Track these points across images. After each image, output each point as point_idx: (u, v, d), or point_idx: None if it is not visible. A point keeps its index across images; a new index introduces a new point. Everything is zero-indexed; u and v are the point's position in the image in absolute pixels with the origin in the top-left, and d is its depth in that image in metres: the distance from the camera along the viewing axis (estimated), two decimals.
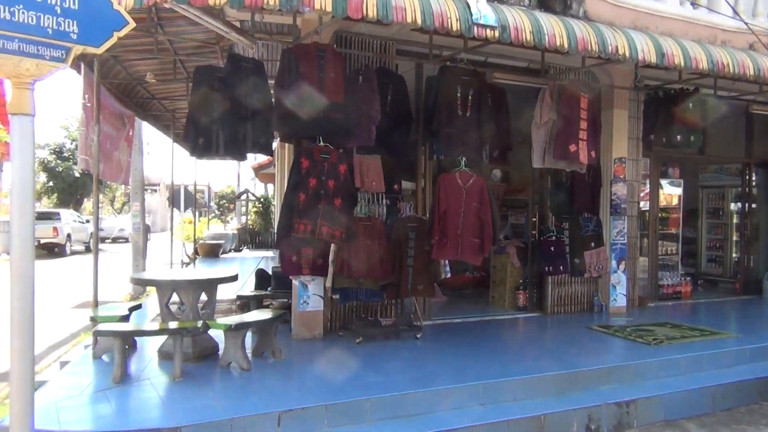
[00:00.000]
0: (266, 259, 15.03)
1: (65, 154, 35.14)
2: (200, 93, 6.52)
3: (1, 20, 3.02)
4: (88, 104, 7.04)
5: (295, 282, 6.99)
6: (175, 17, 6.78)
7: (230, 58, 6.52)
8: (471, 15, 5.53)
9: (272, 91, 6.75)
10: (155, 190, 47.44)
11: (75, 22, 3.25)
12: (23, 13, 3.09)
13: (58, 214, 26.81)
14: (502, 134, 7.60)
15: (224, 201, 47.12)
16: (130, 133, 10.32)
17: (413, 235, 7.25)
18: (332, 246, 6.74)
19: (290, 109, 6.05)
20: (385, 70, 7.22)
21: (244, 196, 28.97)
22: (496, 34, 5.69)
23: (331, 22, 6.30)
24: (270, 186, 31.19)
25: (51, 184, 36.17)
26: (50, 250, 25.11)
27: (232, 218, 42.12)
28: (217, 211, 45.08)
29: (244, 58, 6.68)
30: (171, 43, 7.63)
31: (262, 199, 28.54)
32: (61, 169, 35.00)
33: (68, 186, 35.98)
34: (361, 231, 6.84)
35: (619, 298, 9.27)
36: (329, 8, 4.98)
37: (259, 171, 24.39)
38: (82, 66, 7.03)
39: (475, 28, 5.54)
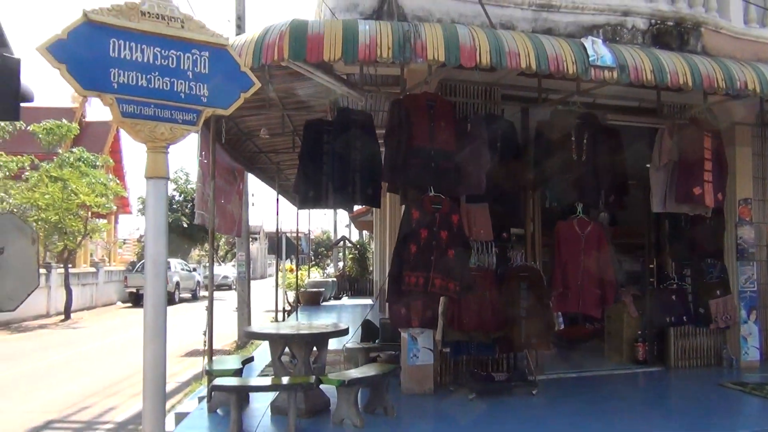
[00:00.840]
0: (367, 307, 14.98)
1: (174, 206, 37.00)
2: (310, 146, 6.62)
3: (139, 87, 3.12)
4: (205, 161, 7.28)
5: (404, 334, 6.83)
6: (285, 74, 6.95)
7: (339, 111, 6.61)
8: (588, 57, 5.33)
9: (381, 142, 6.75)
10: (255, 238, 49.04)
11: (205, 86, 3.33)
12: (159, 79, 3.18)
13: (168, 263, 28.04)
14: (618, 178, 7.24)
15: (321, 248, 47.98)
16: (241, 187, 10.65)
17: (525, 285, 6.96)
18: (441, 297, 6.56)
19: (400, 159, 6.00)
20: (493, 115, 7.09)
21: (341, 243, 29.36)
22: (615, 75, 5.44)
23: (438, 71, 6.26)
24: (365, 232, 31.48)
25: None
26: None
27: (329, 264, 42.74)
28: (314, 259, 45.93)
29: (352, 110, 6.75)
30: (280, 98, 7.83)
31: (358, 246, 28.80)
32: (170, 219, 36.84)
33: (177, 236, 37.77)
34: (472, 282, 6.63)
35: (751, 351, 8.48)
36: (442, 58, 4.93)
37: (356, 219, 24.66)
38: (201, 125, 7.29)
39: (593, 70, 5.33)
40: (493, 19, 6.29)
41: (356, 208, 21.24)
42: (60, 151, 24.34)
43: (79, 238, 23.70)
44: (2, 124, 19.54)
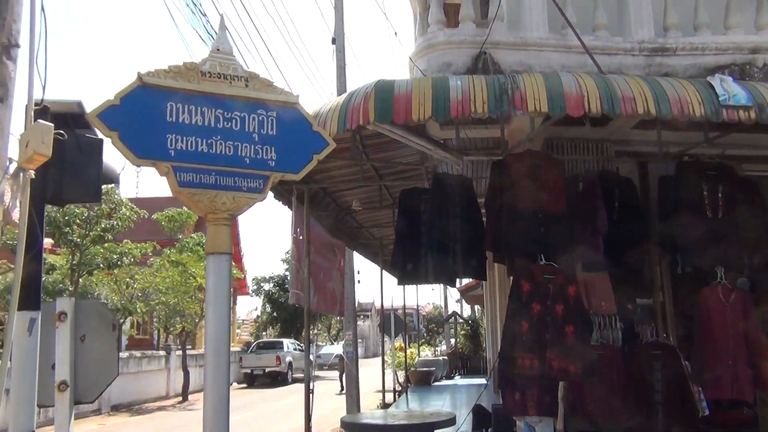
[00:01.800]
0: (480, 387, 14.01)
1: (287, 286, 37.70)
2: (406, 217, 6.17)
3: (199, 154, 2.81)
4: (300, 237, 7.03)
5: (520, 423, 6.02)
6: (380, 143, 6.66)
7: (436, 177, 6.15)
8: (717, 96, 4.60)
9: (483, 209, 6.20)
10: (367, 316, 48.86)
11: (273, 148, 2.97)
12: (221, 144, 2.86)
13: (281, 343, 28.31)
14: (762, 236, 6.23)
15: (432, 324, 47.02)
16: (342, 263, 10.38)
17: (659, 364, 5.99)
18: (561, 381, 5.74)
19: (504, 225, 5.41)
20: (608, 173, 6.38)
21: (452, 319, 28.45)
22: (752, 114, 4.65)
23: (542, 128, 5.70)
24: (477, 307, 30.43)
25: (275, 314, 38.75)
26: (274, 378, 26.26)
27: (441, 341, 41.63)
28: (425, 335, 44.95)
29: (450, 176, 6.29)
30: (376, 170, 7.55)
31: (470, 322, 27.76)
32: (283, 300, 37.47)
33: (289, 315, 38.27)
34: (595, 363, 5.77)
35: None
36: (544, 108, 4.38)
37: (466, 293, 23.83)
38: (293, 200, 7.13)
39: (725, 111, 4.57)
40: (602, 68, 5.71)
41: (464, 281, 20.48)
42: (181, 237, 25.54)
43: (196, 320, 24.36)
44: (128, 214, 20.71)
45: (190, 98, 2.84)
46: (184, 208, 26.70)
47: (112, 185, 21.18)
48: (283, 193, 7.22)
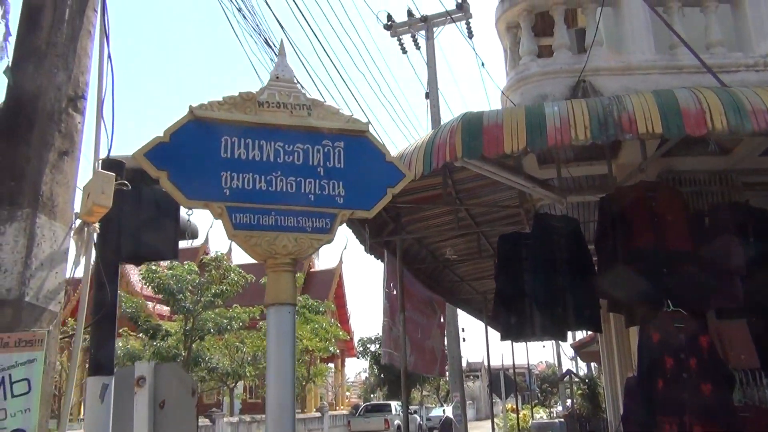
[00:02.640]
0: None
1: None
2: (507, 265, 5.63)
3: (257, 192, 2.48)
4: (393, 292, 6.61)
5: None
6: (475, 187, 6.21)
7: (537, 218, 5.59)
8: None
9: (592, 252, 5.57)
10: (477, 376, 47.14)
11: (341, 183, 2.60)
12: (281, 180, 2.52)
13: (389, 405, 27.63)
14: None
15: (546, 384, 44.67)
16: (442, 320, 9.82)
17: None
18: None
19: (619, 268, 4.75)
20: (738, 206, 5.57)
21: (566, 378, 26.74)
22: None
23: (655, 157, 5.06)
24: (593, 365, 28.55)
25: (382, 376, 38.15)
26: None
27: (556, 401, 39.36)
28: (539, 396, 42.70)
29: (553, 217, 5.72)
30: (473, 217, 7.07)
31: (587, 381, 25.96)
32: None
33: (397, 377, 37.52)
34: (741, 426, 4.88)
35: None
36: (658, 128, 3.80)
37: (581, 349, 22.34)
38: (385, 253, 6.77)
39: None
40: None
41: (578, 335, 19.17)
42: None
43: (303, 383, 24.28)
44: (236, 279, 21.14)
45: (247, 131, 2.53)
46: None
47: (222, 252, 21.88)
48: (375, 246, 6.88)
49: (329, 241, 2.55)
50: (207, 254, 24.97)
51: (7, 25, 3.18)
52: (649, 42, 5.51)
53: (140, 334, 22.47)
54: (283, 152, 2.56)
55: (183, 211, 4.17)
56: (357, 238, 6.51)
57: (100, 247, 3.81)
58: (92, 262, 3.28)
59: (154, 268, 20.70)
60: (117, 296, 3.85)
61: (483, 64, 15.41)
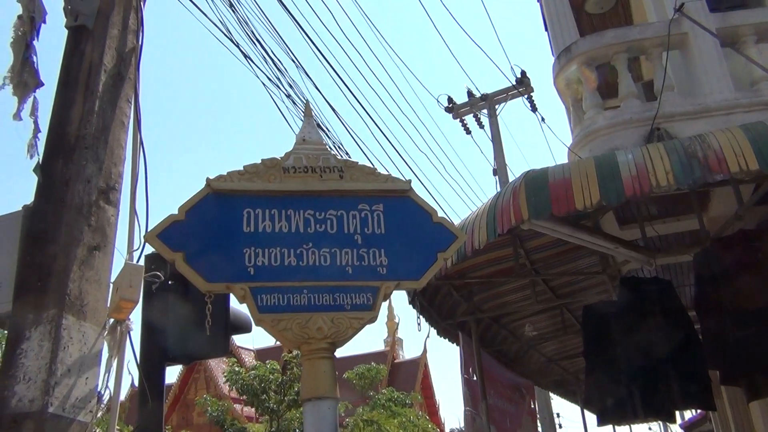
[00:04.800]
0: None
1: None
2: (595, 338, 5.03)
3: (285, 269, 2.17)
4: (473, 378, 6.05)
5: None
6: (550, 255, 5.73)
7: (623, 283, 5.02)
8: None
9: (693, 319, 4.91)
10: None
11: (382, 251, 2.26)
12: (313, 253, 2.21)
13: None
14: None
15: None
16: (532, 406, 9.02)
17: None
18: None
19: (730, 333, 4.10)
20: None
21: None
22: None
23: (752, 201, 4.47)
24: None
25: None
26: None
27: None
28: None
29: (641, 280, 5.11)
30: (553, 289, 6.50)
31: None
32: None
33: None
34: None
35: None
36: (753, 164, 3.30)
37: (692, 431, 20.36)
38: (460, 335, 6.26)
39: None
40: None
41: (687, 414, 17.50)
42: (372, 393, 25.20)
43: None
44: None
45: (272, 201, 2.25)
46: (372, 363, 26.63)
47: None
48: (449, 329, 6.39)
49: (372, 320, 2.17)
50: (290, 352, 24.79)
51: (36, 122, 3.10)
52: (727, 81, 5.04)
53: None
54: (314, 221, 2.26)
55: (235, 303, 3.91)
56: (427, 321, 6.08)
57: (145, 347, 3.58)
58: (126, 364, 2.99)
59: (237, 369, 20.64)
60: (162, 403, 3.57)
61: (543, 119, 14.84)
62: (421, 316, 5.39)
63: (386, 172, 2.41)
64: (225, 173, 2.26)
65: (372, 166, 2.40)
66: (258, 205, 2.24)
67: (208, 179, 2.23)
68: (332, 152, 2.40)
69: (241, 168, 2.28)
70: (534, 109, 16.51)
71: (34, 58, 3.17)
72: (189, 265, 2.11)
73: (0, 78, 3.10)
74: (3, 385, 2.61)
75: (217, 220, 2.20)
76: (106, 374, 2.85)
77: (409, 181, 2.40)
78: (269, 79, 5.48)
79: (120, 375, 2.88)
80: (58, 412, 2.59)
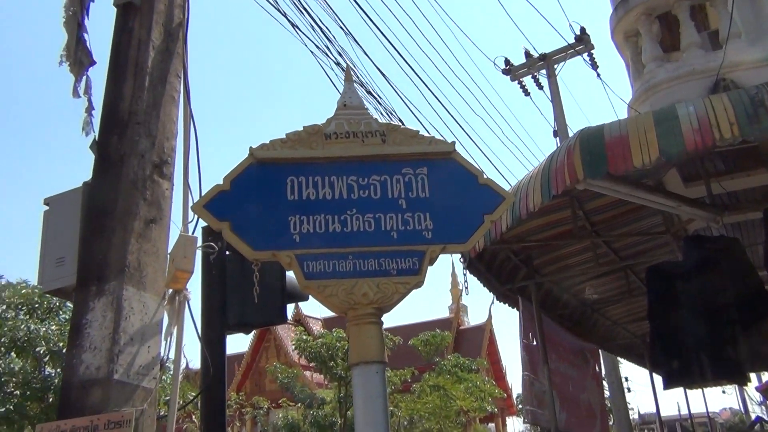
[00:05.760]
0: None
1: None
2: (660, 301, 4.87)
3: (330, 235, 2.17)
4: (533, 343, 5.98)
5: None
6: (611, 216, 5.56)
7: (687, 242, 4.82)
8: None
9: (763, 276, 4.70)
10: (652, 429, 43.10)
11: (427, 214, 2.22)
12: (357, 218, 2.20)
13: None
14: None
15: None
16: (597, 370, 8.87)
17: None
18: None
19: None
20: None
21: (757, 427, 23.60)
22: None
23: None
24: None
25: None
26: None
27: None
28: None
29: (707, 238, 4.91)
30: (615, 251, 6.32)
31: None
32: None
33: None
34: None
35: None
36: None
37: None
38: (520, 300, 6.18)
39: None
40: None
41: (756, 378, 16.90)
42: (438, 360, 25.39)
43: None
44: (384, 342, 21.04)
45: (315, 168, 2.25)
46: (437, 330, 26.75)
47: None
48: (508, 294, 6.32)
49: (419, 284, 2.15)
50: None
51: (90, 100, 3.19)
52: None
53: (298, 404, 22.86)
54: (357, 187, 2.24)
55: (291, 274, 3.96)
56: (485, 286, 6.02)
57: (205, 317, 3.68)
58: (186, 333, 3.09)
59: (305, 337, 21.14)
60: (225, 367, 3.67)
61: (598, 75, 14.33)
62: (467, 281, 5.32)
63: (431, 135, 2.36)
64: (267, 141, 2.27)
65: (415, 129, 2.36)
66: (301, 172, 2.24)
67: (251, 148, 2.25)
68: (373, 116, 2.37)
69: (284, 136, 2.28)
70: (594, 66, 15.96)
71: (86, 36, 3.25)
72: (236, 234, 2.13)
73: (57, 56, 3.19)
74: (71, 354, 2.75)
75: (262, 188, 2.21)
76: (167, 342, 2.96)
77: (453, 143, 2.35)
78: (318, 48, 5.47)
79: (180, 343, 2.97)
80: (123, 378, 2.71)
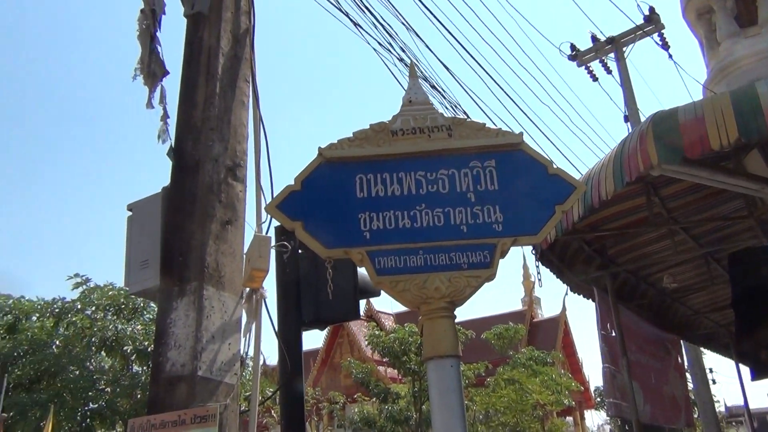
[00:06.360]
0: None
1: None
2: (743, 288, 4.67)
3: (400, 231, 2.19)
4: (612, 334, 5.84)
5: None
6: (688, 202, 5.36)
7: None
8: None
9: None
10: (740, 422, 41.27)
11: (497, 207, 2.22)
12: (427, 213, 2.21)
13: None
14: None
15: None
16: (679, 361, 8.56)
17: None
18: None
19: None
20: None
21: None
22: None
23: None
24: None
25: (626, 428, 35.02)
26: None
27: None
28: None
29: None
30: (694, 238, 6.08)
31: None
32: None
33: (645, 428, 34.16)
34: None
35: None
36: None
37: None
38: (595, 291, 6.04)
39: None
40: None
41: None
42: (511, 353, 25.13)
43: None
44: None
45: (383, 165, 2.27)
46: (510, 323, 26.47)
47: None
48: (582, 285, 6.19)
49: (490, 278, 2.15)
50: None
51: (165, 109, 3.32)
52: None
53: (373, 399, 23.07)
54: (425, 182, 2.26)
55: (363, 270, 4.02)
56: (558, 278, 5.91)
57: (282, 315, 3.78)
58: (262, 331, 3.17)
59: (377, 332, 21.32)
60: (302, 363, 3.76)
61: (670, 56, 13.76)
62: (540, 273, 5.25)
63: (498, 127, 2.35)
64: (335, 141, 2.31)
65: (481, 122, 2.35)
66: (369, 170, 2.27)
67: (319, 148, 2.29)
68: (439, 111, 2.37)
69: (351, 135, 2.32)
70: (666, 47, 15.38)
71: (159, 48, 3.39)
72: (308, 233, 2.18)
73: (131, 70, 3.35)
74: (158, 352, 2.88)
75: (332, 187, 2.26)
76: (247, 339, 3.05)
77: (521, 134, 2.33)
78: (381, 45, 5.50)
79: (258, 340, 3.06)
80: (206, 374, 2.82)
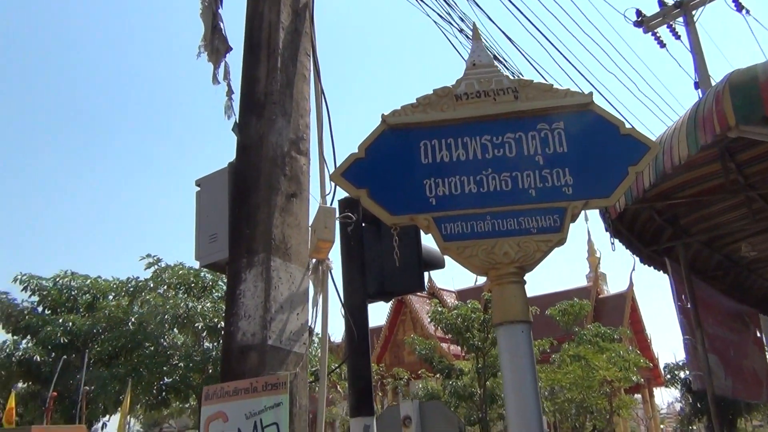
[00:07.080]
0: None
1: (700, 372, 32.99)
2: None
3: (466, 196, 2.16)
4: (688, 305, 5.64)
5: None
6: (765, 168, 5.09)
7: None
8: None
9: None
10: None
11: (567, 170, 2.16)
12: (494, 178, 2.17)
13: None
14: None
15: None
16: (759, 335, 8.22)
17: None
18: None
19: None
20: None
21: None
22: None
23: None
24: None
25: (698, 405, 34.05)
26: None
27: None
28: None
29: None
30: None
31: None
32: None
33: (717, 406, 33.13)
34: None
35: None
36: None
37: None
38: (668, 262, 5.83)
39: None
40: None
41: None
42: (577, 329, 24.72)
43: (606, 416, 22.64)
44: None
45: (447, 130, 2.24)
46: (575, 299, 26.00)
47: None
48: (653, 256, 5.99)
49: (561, 242, 2.09)
50: (490, 291, 24.76)
51: (229, 85, 3.36)
52: None
53: (437, 375, 23.16)
54: (491, 146, 2.21)
55: (426, 241, 4.00)
56: (628, 249, 5.74)
57: (348, 287, 3.80)
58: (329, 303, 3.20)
59: (440, 309, 21.32)
60: (368, 335, 3.78)
61: (747, 12, 13.05)
62: (615, 239, 5.08)
63: (566, 88, 2.27)
64: (399, 107, 2.28)
65: (549, 83, 2.28)
66: (433, 135, 2.24)
67: (383, 115, 2.27)
68: (505, 74, 2.31)
69: (414, 101, 2.29)
70: (740, 7, 14.61)
71: (222, 24, 3.42)
72: (373, 200, 2.18)
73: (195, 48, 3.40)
74: (229, 322, 2.95)
75: (396, 154, 2.24)
76: (314, 310, 3.09)
77: (591, 94, 2.25)
78: (441, 17, 5.42)
79: (326, 310, 3.09)
80: (276, 344, 2.86)
